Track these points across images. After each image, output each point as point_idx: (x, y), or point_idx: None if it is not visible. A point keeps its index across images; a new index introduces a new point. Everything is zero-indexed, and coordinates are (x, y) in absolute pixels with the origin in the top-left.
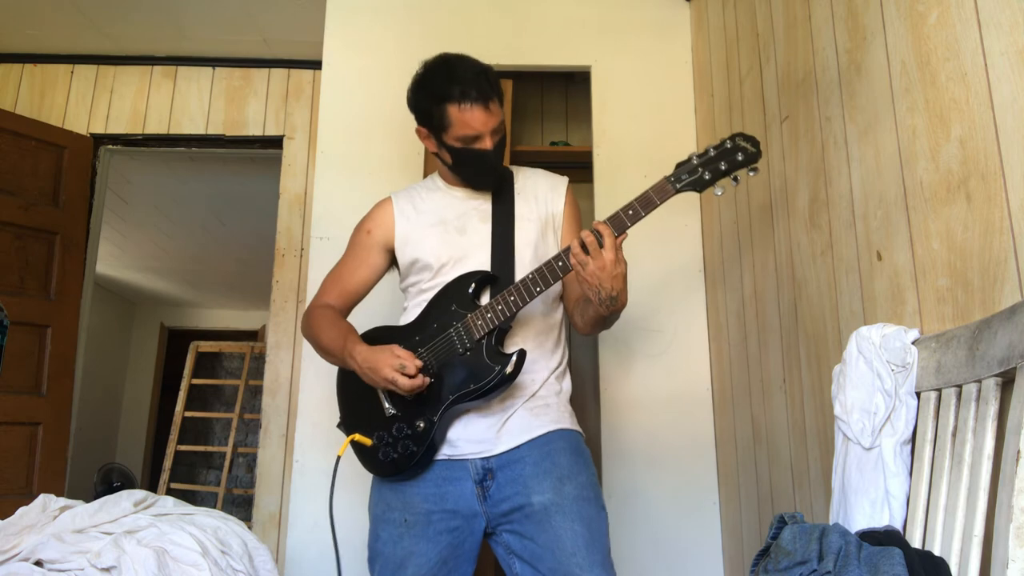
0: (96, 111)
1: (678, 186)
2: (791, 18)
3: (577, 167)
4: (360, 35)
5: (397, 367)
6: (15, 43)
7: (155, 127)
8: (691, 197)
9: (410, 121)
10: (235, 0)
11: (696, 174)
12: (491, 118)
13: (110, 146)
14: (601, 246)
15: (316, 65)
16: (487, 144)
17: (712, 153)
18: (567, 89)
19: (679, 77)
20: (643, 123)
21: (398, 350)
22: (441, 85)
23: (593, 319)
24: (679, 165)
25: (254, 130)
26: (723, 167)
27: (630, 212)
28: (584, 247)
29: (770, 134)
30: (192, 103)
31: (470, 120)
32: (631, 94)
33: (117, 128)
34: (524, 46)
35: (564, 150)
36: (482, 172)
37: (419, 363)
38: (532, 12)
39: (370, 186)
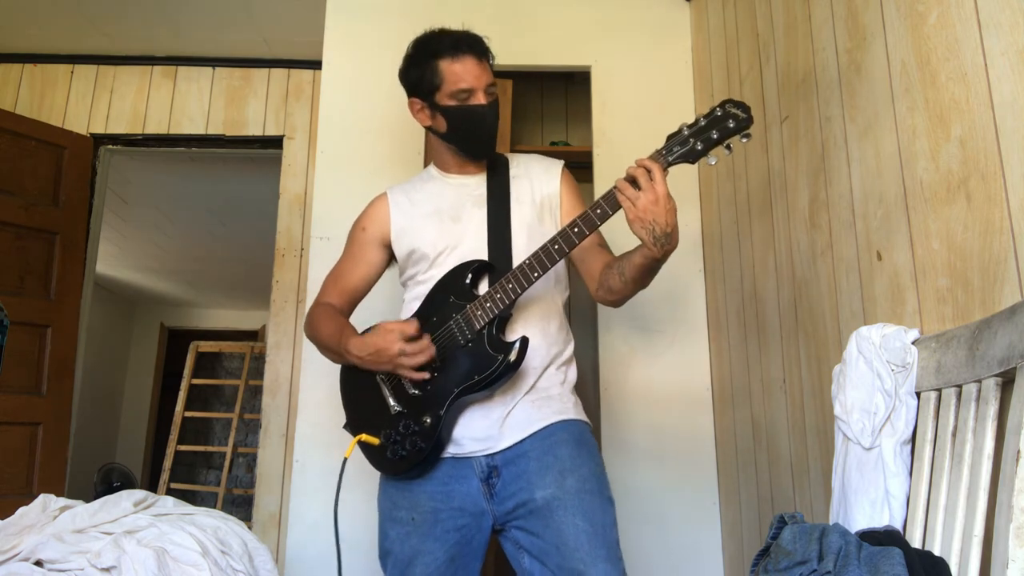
0: (96, 111)
1: (670, 159)
2: (791, 18)
3: (577, 167)
4: (360, 35)
5: (397, 336)
6: (15, 43)
7: (155, 127)
8: (691, 196)
9: (410, 121)
10: (235, 0)
11: (688, 145)
12: (484, 73)
13: (110, 146)
14: (651, 180)
15: (316, 65)
16: (481, 99)
17: (703, 123)
18: (567, 89)
19: (679, 77)
20: (643, 123)
21: (388, 324)
22: (432, 43)
23: (638, 272)
24: (670, 137)
25: (254, 130)
26: (715, 136)
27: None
28: (634, 182)
29: (770, 134)
30: (192, 103)
31: (462, 72)
32: (631, 94)
33: (117, 128)
34: (524, 46)
35: (564, 150)
36: (479, 131)
37: (416, 324)
38: (532, 12)
39: (370, 186)
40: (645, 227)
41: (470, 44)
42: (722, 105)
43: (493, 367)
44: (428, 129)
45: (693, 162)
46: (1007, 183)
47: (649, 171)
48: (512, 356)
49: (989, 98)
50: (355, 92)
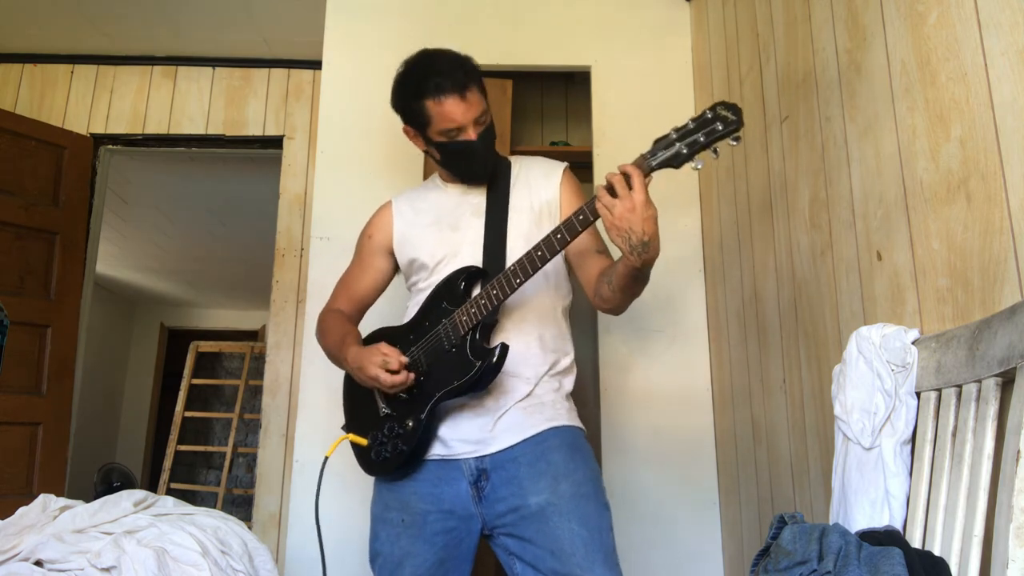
0: (96, 111)
1: (653, 163)
2: (791, 18)
3: (577, 167)
4: (360, 35)
5: (380, 363)
6: (15, 43)
7: (155, 127)
8: (691, 197)
9: None
10: (235, 0)
11: (672, 149)
12: (470, 108)
13: (110, 146)
14: (630, 188)
15: (316, 65)
16: (471, 135)
17: (691, 126)
18: (567, 89)
19: (679, 77)
20: (643, 123)
21: (384, 347)
22: (417, 81)
23: (623, 280)
24: (657, 140)
25: (254, 130)
26: (702, 139)
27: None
28: (611, 190)
29: (770, 134)
30: (192, 103)
31: (448, 112)
32: (631, 94)
33: (117, 128)
34: (524, 46)
35: (564, 150)
36: (470, 164)
37: (404, 359)
38: (532, 12)
39: (370, 186)
40: (621, 235)
41: (453, 82)
42: (712, 108)
43: (471, 373)
44: (425, 152)
45: (678, 167)
46: (1007, 183)
47: (628, 177)
48: (491, 361)
49: (989, 98)
50: (355, 92)
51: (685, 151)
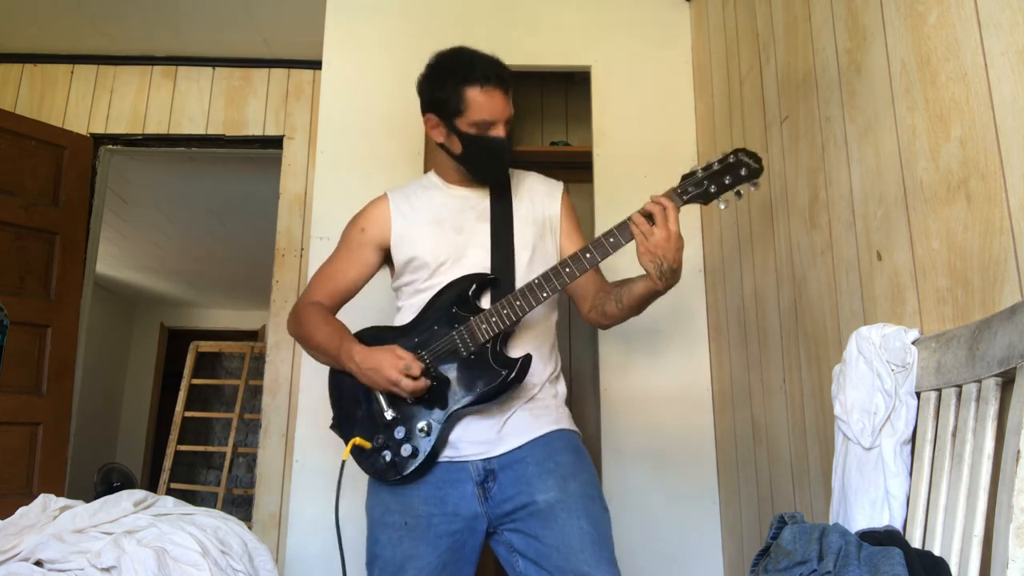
0: (96, 111)
1: (685, 198)
2: (791, 18)
3: (577, 167)
4: (360, 35)
5: (401, 368)
6: (15, 43)
7: (155, 127)
8: None
9: (410, 120)
10: (235, 0)
11: (702, 187)
12: (507, 107)
13: (110, 146)
14: (666, 218)
15: (316, 65)
16: (500, 131)
17: (716, 167)
18: (567, 89)
19: (679, 77)
20: (643, 123)
21: (400, 351)
22: (463, 68)
23: (639, 300)
24: (685, 177)
25: (254, 130)
26: (727, 181)
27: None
28: (649, 217)
29: (770, 134)
30: (192, 103)
31: (488, 105)
32: (631, 94)
33: (117, 128)
34: (524, 46)
35: (564, 150)
36: (495, 162)
37: (422, 365)
38: (532, 12)
39: (370, 186)
40: (654, 261)
41: (499, 77)
42: (735, 152)
43: (498, 381)
44: (440, 146)
45: (706, 203)
46: (1007, 183)
47: (665, 209)
48: (515, 372)
49: (989, 98)
50: (355, 92)
51: (713, 190)
